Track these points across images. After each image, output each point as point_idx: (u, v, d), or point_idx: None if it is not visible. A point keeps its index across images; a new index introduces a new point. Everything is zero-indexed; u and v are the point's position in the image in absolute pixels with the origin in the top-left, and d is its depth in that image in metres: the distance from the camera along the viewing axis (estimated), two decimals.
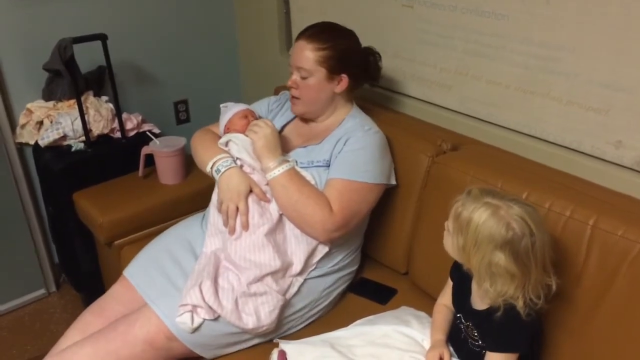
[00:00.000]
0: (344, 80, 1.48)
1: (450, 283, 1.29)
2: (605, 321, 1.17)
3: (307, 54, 1.44)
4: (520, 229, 1.03)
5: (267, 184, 1.42)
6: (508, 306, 1.08)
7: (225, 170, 1.43)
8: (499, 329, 1.10)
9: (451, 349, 1.23)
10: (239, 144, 1.46)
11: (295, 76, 1.48)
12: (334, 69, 1.45)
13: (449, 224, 1.13)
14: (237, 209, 1.40)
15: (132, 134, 2.09)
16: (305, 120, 1.58)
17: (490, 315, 1.10)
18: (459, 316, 1.22)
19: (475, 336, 1.17)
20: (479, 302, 1.16)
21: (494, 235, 1.03)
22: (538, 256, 1.05)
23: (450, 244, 1.13)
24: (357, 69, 1.51)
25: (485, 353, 1.14)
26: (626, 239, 1.14)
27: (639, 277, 1.12)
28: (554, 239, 1.21)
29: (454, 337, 1.25)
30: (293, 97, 1.52)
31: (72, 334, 1.43)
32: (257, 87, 2.53)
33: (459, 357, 1.22)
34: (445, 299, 1.30)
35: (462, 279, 1.21)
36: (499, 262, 1.04)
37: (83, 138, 1.97)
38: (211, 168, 1.46)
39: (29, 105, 2.02)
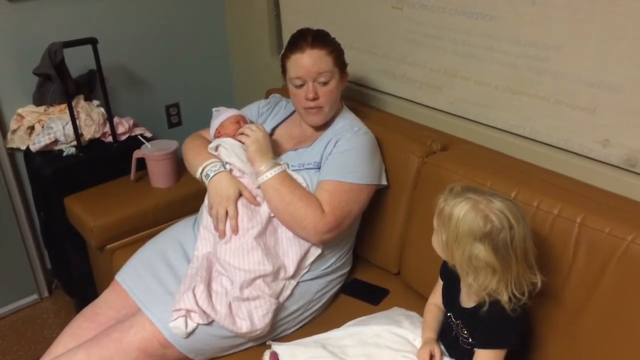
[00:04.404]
0: (346, 75, 1.53)
1: (440, 282, 1.30)
2: (593, 318, 1.18)
3: (326, 59, 1.44)
4: (499, 222, 1.04)
5: (258, 188, 1.43)
6: (493, 301, 1.09)
7: (214, 175, 1.44)
8: (486, 325, 1.11)
9: (442, 347, 1.24)
10: (228, 149, 1.47)
11: (313, 87, 1.45)
12: (342, 66, 1.50)
13: (434, 222, 1.15)
14: (227, 212, 1.40)
15: (123, 137, 2.09)
16: (300, 124, 1.58)
17: (477, 312, 1.11)
18: (449, 315, 1.23)
19: (465, 334, 1.18)
20: (467, 299, 1.17)
21: (473, 228, 1.05)
22: (518, 250, 1.06)
23: (437, 242, 1.14)
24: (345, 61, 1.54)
25: (475, 351, 1.15)
26: (613, 237, 1.15)
27: (626, 274, 1.13)
28: (541, 238, 1.22)
29: (446, 336, 1.25)
30: (313, 107, 1.48)
31: (64, 340, 1.43)
32: (249, 89, 2.54)
33: (450, 355, 1.23)
34: (435, 298, 1.31)
35: (451, 279, 1.21)
36: (479, 254, 1.05)
37: (74, 142, 1.97)
38: (201, 173, 1.47)
39: (19, 111, 2.02)
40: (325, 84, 1.45)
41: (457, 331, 1.20)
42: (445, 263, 1.25)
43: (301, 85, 1.45)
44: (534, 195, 1.28)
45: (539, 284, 1.10)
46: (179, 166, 1.91)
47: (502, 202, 1.07)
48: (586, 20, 1.31)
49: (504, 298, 1.07)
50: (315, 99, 1.45)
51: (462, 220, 1.06)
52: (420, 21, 1.68)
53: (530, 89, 1.48)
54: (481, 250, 1.05)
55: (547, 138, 1.49)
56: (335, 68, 1.46)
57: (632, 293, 1.12)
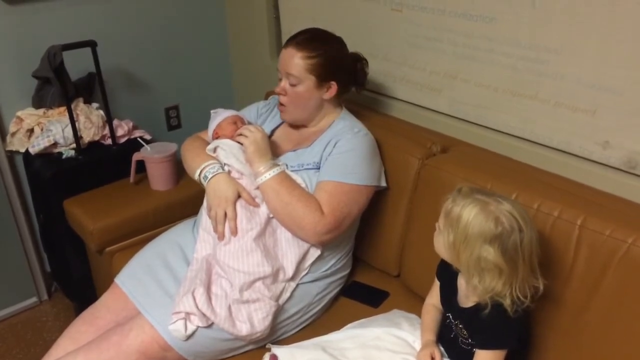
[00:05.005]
0: (333, 87, 1.49)
1: (437, 283, 1.30)
2: (594, 320, 1.18)
3: (297, 62, 1.44)
4: (510, 224, 1.04)
5: (257, 189, 1.43)
6: (495, 303, 1.09)
7: (212, 177, 1.44)
8: (487, 326, 1.11)
9: (442, 348, 1.24)
10: (226, 150, 1.47)
11: (284, 83, 1.48)
12: (323, 76, 1.46)
13: (440, 222, 1.14)
14: (226, 214, 1.40)
15: (123, 140, 2.09)
16: (295, 125, 1.58)
17: (477, 312, 1.11)
18: (448, 315, 1.23)
19: (465, 334, 1.17)
20: (465, 299, 1.17)
21: (484, 229, 1.04)
22: (526, 252, 1.06)
23: (441, 243, 1.13)
24: (345, 75, 1.52)
25: (475, 351, 1.15)
26: (614, 239, 1.15)
27: (626, 276, 1.13)
28: (542, 239, 1.22)
29: (445, 337, 1.25)
30: (281, 104, 1.52)
31: (64, 343, 1.43)
32: (248, 92, 2.54)
33: (450, 356, 1.23)
34: (433, 298, 1.31)
35: (448, 278, 1.22)
36: (488, 256, 1.05)
37: (74, 145, 1.96)
38: (199, 175, 1.47)
39: (19, 113, 2.02)
40: (293, 85, 1.46)
41: (456, 332, 1.20)
42: (441, 263, 1.25)
43: (281, 78, 1.49)
44: (534, 198, 1.28)
45: (541, 288, 1.10)
46: (178, 169, 1.91)
47: (511, 204, 1.07)
48: (586, 22, 1.31)
49: (506, 301, 1.07)
50: (280, 94, 1.49)
51: (472, 222, 1.05)
52: (420, 23, 1.68)
53: (530, 91, 1.48)
54: (490, 253, 1.05)
55: (547, 140, 1.49)
56: (308, 74, 1.44)
57: (632, 295, 1.12)
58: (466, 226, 1.06)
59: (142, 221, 1.85)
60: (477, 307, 1.12)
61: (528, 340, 1.27)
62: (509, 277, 1.06)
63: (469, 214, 1.06)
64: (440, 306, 1.28)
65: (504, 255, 1.04)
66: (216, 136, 1.55)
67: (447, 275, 1.21)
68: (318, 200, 1.38)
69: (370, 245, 1.67)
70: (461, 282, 1.18)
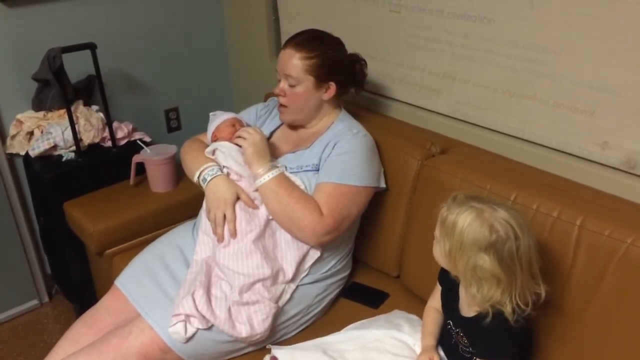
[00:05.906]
0: (332, 88, 1.49)
1: (439, 287, 1.29)
2: (594, 323, 1.17)
3: (295, 62, 1.44)
4: (505, 232, 1.03)
5: (255, 191, 1.43)
6: (496, 312, 1.07)
7: (211, 179, 1.44)
8: (488, 335, 1.09)
9: (442, 353, 1.23)
10: (225, 152, 1.47)
11: (283, 84, 1.48)
12: (322, 77, 1.46)
13: (436, 231, 1.13)
14: (225, 216, 1.40)
15: (122, 142, 2.09)
16: (294, 126, 1.58)
17: (478, 321, 1.10)
18: (449, 322, 1.22)
19: (466, 342, 1.16)
20: (467, 308, 1.16)
21: (478, 237, 1.03)
22: (523, 260, 1.04)
23: (438, 252, 1.12)
24: (344, 76, 1.52)
25: None
26: (613, 239, 1.15)
27: (626, 276, 1.13)
28: (541, 241, 1.21)
29: (445, 342, 1.24)
30: (281, 105, 1.52)
31: (64, 345, 1.43)
32: (248, 93, 2.54)
33: None
34: (435, 301, 1.30)
35: (450, 286, 1.20)
36: (484, 265, 1.03)
37: (74, 148, 1.96)
38: (198, 177, 1.47)
39: (19, 116, 2.02)
40: (292, 86, 1.46)
41: (456, 339, 1.19)
42: (443, 268, 1.24)
43: (280, 80, 1.49)
44: (533, 198, 1.28)
45: (543, 294, 1.08)
46: (178, 171, 1.91)
47: (507, 211, 1.05)
48: (585, 22, 1.31)
49: (507, 309, 1.06)
50: (279, 95, 1.49)
51: (466, 230, 1.04)
52: (419, 24, 1.68)
53: (529, 92, 1.47)
54: (486, 261, 1.03)
55: (546, 141, 1.48)
56: (307, 75, 1.44)
57: (632, 295, 1.12)
58: (461, 234, 1.04)
59: (142, 223, 1.85)
60: (479, 317, 1.10)
61: (531, 349, 1.25)
62: (508, 286, 1.05)
63: (464, 222, 1.04)
64: (441, 310, 1.28)
65: (500, 263, 1.03)
66: (215, 138, 1.55)
67: (449, 282, 1.19)
68: (317, 201, 1.38)
69: (370, 246, 1.67)
70: (462, 290, 1.17)
